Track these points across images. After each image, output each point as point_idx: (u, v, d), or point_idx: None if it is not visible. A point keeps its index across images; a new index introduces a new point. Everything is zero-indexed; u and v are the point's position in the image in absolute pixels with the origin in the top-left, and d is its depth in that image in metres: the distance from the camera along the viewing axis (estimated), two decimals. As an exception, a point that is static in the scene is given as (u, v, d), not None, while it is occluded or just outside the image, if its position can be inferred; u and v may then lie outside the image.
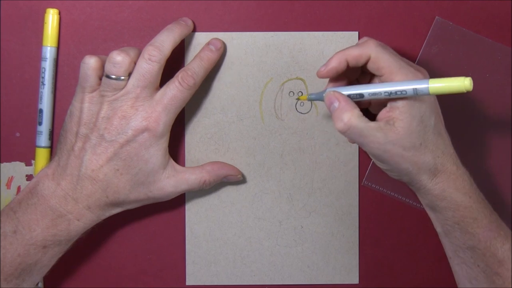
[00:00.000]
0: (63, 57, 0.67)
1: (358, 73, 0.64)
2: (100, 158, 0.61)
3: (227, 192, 0.69)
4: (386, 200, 0.70)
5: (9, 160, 0.68)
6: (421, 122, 0.59)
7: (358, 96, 0.59)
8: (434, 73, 0.68)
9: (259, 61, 0.68)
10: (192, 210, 0.69)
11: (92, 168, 0.61)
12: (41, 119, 0.67)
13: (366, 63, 0.60)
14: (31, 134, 0.68)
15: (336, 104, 0.59)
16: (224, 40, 0.67)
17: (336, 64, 0.60)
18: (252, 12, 0.68)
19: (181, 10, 0.67)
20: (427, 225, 0.69)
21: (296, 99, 0.68)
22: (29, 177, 0.68)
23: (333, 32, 0.67)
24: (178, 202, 0.68)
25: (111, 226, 0.68)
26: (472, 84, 0.54)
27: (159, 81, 0.63)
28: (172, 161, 0.65)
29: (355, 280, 0.69)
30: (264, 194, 0.69)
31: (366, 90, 0.59)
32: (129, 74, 0.62)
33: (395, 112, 0.58)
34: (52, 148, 0.68)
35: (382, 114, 0.60)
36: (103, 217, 0.64)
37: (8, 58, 0.67)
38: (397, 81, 0.58)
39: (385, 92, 0.58)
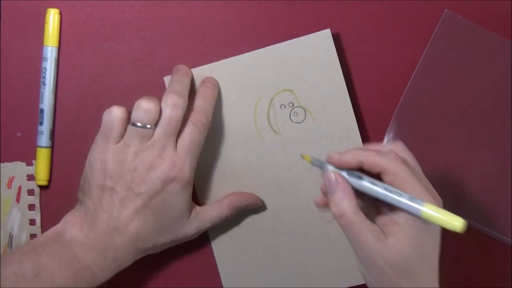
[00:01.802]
0: (64, 57, 0.67)
1: None
2: (129, 211, 0.61)
3: (247, 217, 0.69)
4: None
5: (10, 160, 0.68)
6: (417, 251, 0.53)
7: (357, 185, 0.56)
8: (441, 66, 0.68)
9: (243, 83, 0.67)
10: (220, 246, 0.69)
11: (122, 221, 0.61)
12: (42, 119, 0.67)
13: (380, 173, 0.55)
14: (32, 134, 0.68)
15: (334, 188, 0.55)
16: (205, 74, 0.66)
17: (350, 162, 0.56)
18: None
19: (182, 10, 0.67)
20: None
21: (301, 155, 0.62)
22: (30, 177, 0.68)
23: (306, 36, 0.66)
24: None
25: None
26: (464, 228, 0.51)
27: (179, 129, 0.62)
28: (194, 205, 0.64)
29: None
30: (282, 210, 0.68)
31: (368, 185, 0.55)
32: (156, 124, 0.61)
33: (393, 227, 0.54)
34: (53, 148, 0.68)
35: (380, 220, 0.56)
36: (127, 265, 0.63)
37: (9, 58, 0.67)
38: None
39: (383, 193, 0.54)
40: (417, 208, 0.53)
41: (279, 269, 0.69)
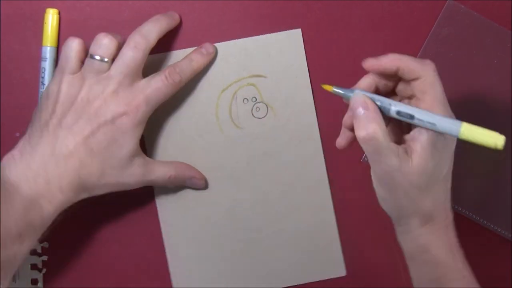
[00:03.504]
0: (62, 57, 0.67)
1: (391, 85, 0.59)
2: (76, 136, 0.61)
3: (202, 210, 0.69)
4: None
5: (9, 160, 0.68)
6: (436, 166, 0.56)
7: (385, 110, 0.56)
8: (442, 56, 0.68)
9: (208, 74, 0.67)
10: (171, 233, 0.68)
11: (67, 145, 0.60)
12: (41, 119, 0.67)
13: (411, 80, 0.56)
14: (31, 134, 0.67)
15: (362, 111, 0.55)
16: (169, 59, 0.67)
17: (388, 65, 0.56)
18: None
19: (182, 10, 0.67)
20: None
21: (321, 85, 0.59)
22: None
23: (276, 33, 0.67)
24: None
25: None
26: (503, 144, 0.50)
27: (141, 70, 0.63)
28: (142, 153, 0.65)
29: (342, 272, 0.70)
30: (238, 204, 0.69)
31: (398, 108, 0.55)
32: (113, 59, 0.62)
33: (416, 145, 0.55)
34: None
35: (402, 139, 0.57)
36: (73, 201, 0.62)
37: (8, 58, 0.67)
38: (433, 111, 0.55)
39: (418, 119, 0.54)
40: (456, 128, 0.52)
41: (229, 264, 0.69)
